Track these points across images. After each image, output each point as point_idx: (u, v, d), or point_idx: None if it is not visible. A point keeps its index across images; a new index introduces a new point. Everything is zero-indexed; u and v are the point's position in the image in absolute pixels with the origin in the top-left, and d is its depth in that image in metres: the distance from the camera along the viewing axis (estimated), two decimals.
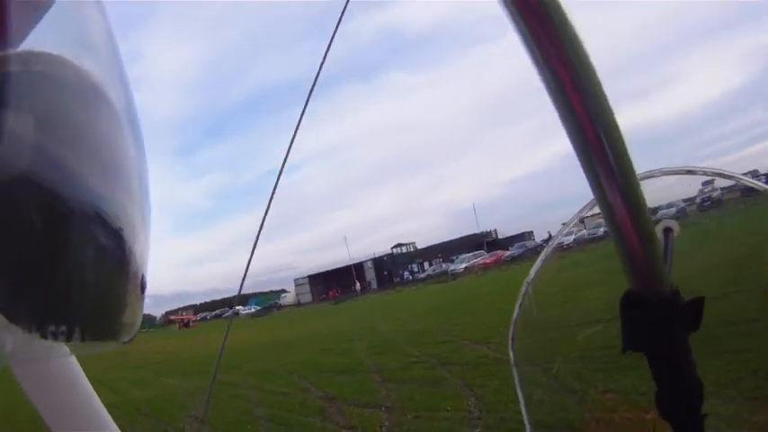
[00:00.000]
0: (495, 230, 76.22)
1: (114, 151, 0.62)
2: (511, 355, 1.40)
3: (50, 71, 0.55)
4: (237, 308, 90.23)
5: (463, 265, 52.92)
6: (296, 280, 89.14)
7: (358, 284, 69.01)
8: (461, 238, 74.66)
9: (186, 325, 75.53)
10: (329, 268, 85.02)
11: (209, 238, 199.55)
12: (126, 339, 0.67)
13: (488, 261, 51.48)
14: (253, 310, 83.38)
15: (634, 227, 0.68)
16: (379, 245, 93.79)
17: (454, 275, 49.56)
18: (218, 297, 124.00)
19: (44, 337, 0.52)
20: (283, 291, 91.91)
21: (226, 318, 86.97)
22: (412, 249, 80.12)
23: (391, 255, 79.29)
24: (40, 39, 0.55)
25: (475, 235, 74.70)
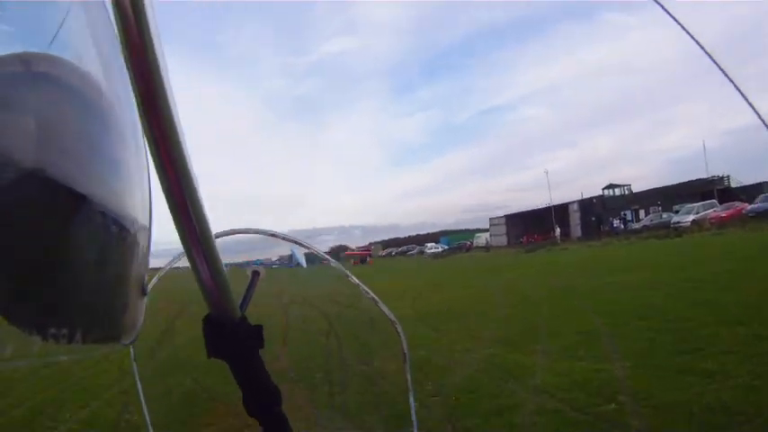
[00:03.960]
0: (728, 177, 60.97)
1: (115, 153, 0.66)
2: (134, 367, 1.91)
3: (52, 73, 0.57)
4: (427, 245, 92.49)
5: (690, 217, 45.15)
6: (491, 219, 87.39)
7: (558, 230, 64.32)
8: (685, 183, 62.67)
9: (363, 261, 77.95)
10: (530, 208, 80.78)
11: (423, 173, 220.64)
12: (127, 341, 0.73)
13: (724, 215, 42.14)
14: (439, 249, 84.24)
15: (211, 271, 0.87)
16: (589, 190, 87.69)
17: (678, 229, 42.26)
18: (423, 232, 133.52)
19: (45, 339, 0.55)
20: (485, 230, 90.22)
21: (410, 255, 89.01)
22: (626, 192, 71.54)
23: (601, 197, 71.97)
24: (41, 40, 0.59)
25: (701, 180, 61.32)
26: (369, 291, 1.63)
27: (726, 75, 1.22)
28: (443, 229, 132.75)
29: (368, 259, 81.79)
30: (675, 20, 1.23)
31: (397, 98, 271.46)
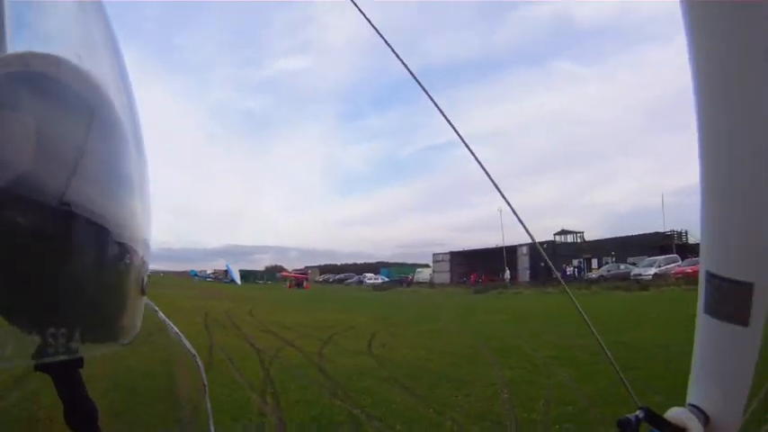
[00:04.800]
0: (686, 232, 59.47)
1: (115, 154, 0.65)
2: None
3: (51, 72, 0.57)
4: (366, 275, 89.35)
5: (652, 270, 43.81)
6: (435, 255, 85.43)
7: (508, 272, 61.46)
8: (641, 236, 60.93)
9: (299, 285, 74.32)
10: (477, 247, 78.26)
11: (365, 203, 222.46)
12: (126, 341, 0.74)
13: (689, 270, 39.97)
14: (380, 280, 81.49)
15: None
16: (537, 236, 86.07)
17: (640, 282, 40.37)
18: (360, 261, 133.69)
19: (44, 339, 0.57)
20: (424, 265, 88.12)
21: (348, 284, 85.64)
22: (579, 240, 70.51)
23: (552, 243, 70.13)
24: (42, 40, 0.59)
25: (659, 234, 60.31)
26: (173, 326, 1.58)
27: None
28: (380, 260, 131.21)
29: (304, 284, 77.68)
30: None
31: (345, 124, 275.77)
